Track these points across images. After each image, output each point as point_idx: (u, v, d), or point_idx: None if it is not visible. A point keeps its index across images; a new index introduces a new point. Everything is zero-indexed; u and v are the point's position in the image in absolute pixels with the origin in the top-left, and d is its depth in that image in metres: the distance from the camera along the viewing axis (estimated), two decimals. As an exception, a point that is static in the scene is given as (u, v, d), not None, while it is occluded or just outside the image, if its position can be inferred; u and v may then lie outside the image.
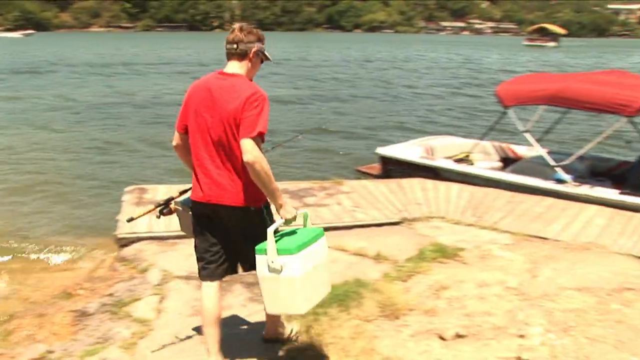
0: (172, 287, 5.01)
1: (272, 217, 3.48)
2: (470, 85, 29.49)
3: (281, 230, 3.39)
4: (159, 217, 4.06)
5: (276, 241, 3.23)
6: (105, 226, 7.43)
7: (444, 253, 5.57)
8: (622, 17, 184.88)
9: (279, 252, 3.20)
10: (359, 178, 9.41)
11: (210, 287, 3.63)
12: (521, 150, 9.54)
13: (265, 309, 3.50)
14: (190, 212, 3.73)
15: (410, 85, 28.97)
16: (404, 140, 10.53)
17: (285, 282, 3.21)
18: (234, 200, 3.40)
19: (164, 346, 4.05)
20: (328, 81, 30.06)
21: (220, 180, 3.41)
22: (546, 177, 7.87)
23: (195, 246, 3.72)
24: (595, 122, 15.42)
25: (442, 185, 8.04)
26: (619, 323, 4.10)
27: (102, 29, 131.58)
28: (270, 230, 3.22)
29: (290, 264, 3.19)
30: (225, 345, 3.68)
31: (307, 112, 19.70)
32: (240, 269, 3.74)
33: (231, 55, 3.48)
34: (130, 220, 4.14)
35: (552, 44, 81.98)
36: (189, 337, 4.16)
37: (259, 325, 4.25)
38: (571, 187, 7.56)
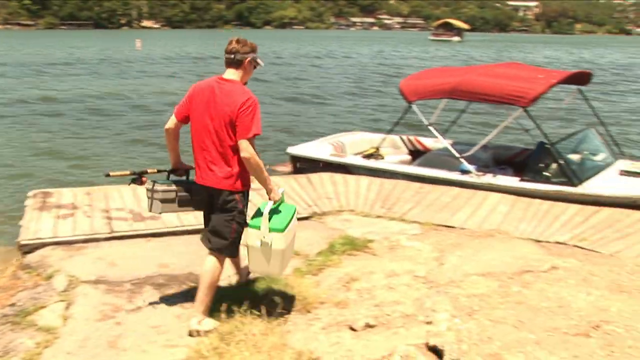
0: (80, 292, 4.83)
1: (245, 205, 4.26)
2: (379, 79, 29.98)
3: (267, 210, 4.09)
4: (129, 184, 4.55)
5: (271, 219, 4.06)
6: (8, 233, 7.13)
7: (354, 245, 5.65)
8: (520, 14, 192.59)
9: (271, 230, 4.03)
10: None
11: (213, 255, 4.28)
12: (429, 143, 9.79)
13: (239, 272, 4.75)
14: (158, 195, 4.32)
15: (320, 81, 29.16)
16: (315, 138, 10.57)
17: (273, 253, 4.07)
18: (223, 184, 4.11)
19: (70, 354, 3.91)
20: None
21: (214, 168, 4.11)
22: (451, 168, 8.10)
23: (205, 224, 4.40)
24: (497, 112, 15.98)
25: (351, 179, 8.14)
26: (519, 304, 4.27)
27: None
28: (266, 211, 4.05)
29: (278, 240, 4.05)
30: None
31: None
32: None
33: (229, 64, 4.16)
34: (107, 175, 4.62)
35: (456, 38, 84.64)
36: (98, 343, 4.03)
37: (170, 325, 4.17)
38: (475, 177, 7.81)
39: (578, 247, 5.93)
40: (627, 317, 4.04)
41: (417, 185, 7.79)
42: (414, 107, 8.56)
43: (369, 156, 9.06)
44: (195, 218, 6.47)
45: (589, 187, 7.33)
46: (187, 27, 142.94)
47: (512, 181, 7.75)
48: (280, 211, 4.20)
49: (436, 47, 66.92)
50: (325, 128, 15.39)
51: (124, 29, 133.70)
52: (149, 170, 4.61)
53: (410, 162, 9.16)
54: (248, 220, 4.18)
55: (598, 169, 7.99)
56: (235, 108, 3.95)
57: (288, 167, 9.65)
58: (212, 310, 4.28)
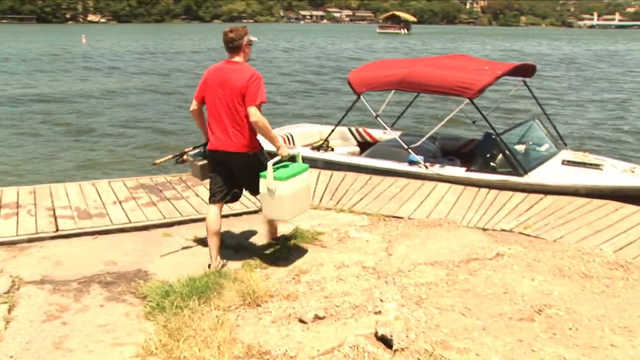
0: (24, 293, 4.70)
1: (266, 158, 5.05)
2: (327, 72, 30.05)
3: (280, 164, 5.03)
4: (175, 164, 5.71)
5: (274, 171, 4.88)
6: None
7: (303, 238, 5.65)
8: (468, 6, 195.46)
9: (275, 178, 4.85)
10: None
11: (214, 208, 5.16)
12: (377, 134, 9.85)
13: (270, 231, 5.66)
14: (199, 163, 5.39)
15: (269, 74, 29.04)
16: None
17: (277, 199, 4.89)
18: (237, 148, 4.97)
19: (13, 357, 3.80)
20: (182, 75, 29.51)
21: (228, 134, 4.95)
22: (400, 159, 8.16)
23: (210, 183, 5.25)
24: (446, 103, 16.20)
25: (300, 171, 8.12)
26: (466, 292, 4.34)
27: None
28: (270, 163, 4.90)
29: (280, 187, 4.85)
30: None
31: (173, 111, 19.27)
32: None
33: (230, 51, 4.98)
34: (153, 164, 5.77)
35: (403, 31, 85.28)
36: (43, 344, 3.94)
37: (119, 323, 4.12)
38: (423, 168, 7.89)
39: (523, 234, 6.08)
40: (568, 300, 4.16)
41: (365, 176, 7.85)
42: (363, 99, 8.59)
43: (317, 148, 9.07)
44: (143, 214, 6.41)
45: (534, 177, 7.50)
46: (134, 22, 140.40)
47: (460, 172, 7.87)
48: (288, 166, 5.08)
49: (383, 40, 67.37)
50: (274, 122, 15.35)
51: (69, 24, 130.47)
52: (186, 150, 5.64)
53: (359, 154, 9.21)
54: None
55: (542, 159, 8.18)
56: (245, 82, 4.80)
57: None
58: (160, 307, 4.25)
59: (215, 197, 5.16)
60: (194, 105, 5.15)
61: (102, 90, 23.26)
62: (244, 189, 5.32)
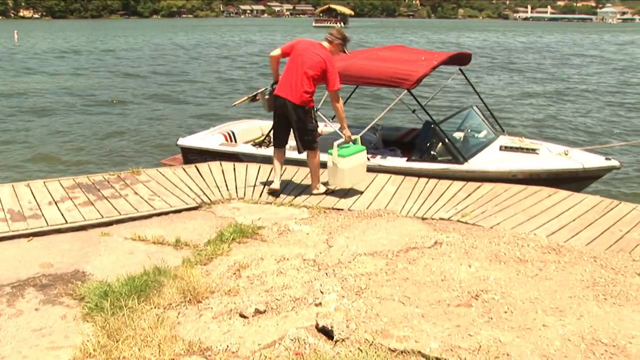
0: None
1: (316, 117, 6.95)
2: (263, 67, 29.92)
3: (344, 145, 6.86)
4: (251, 101, 7.60)
5: (338, 150, 6.70)
6: None
7: (243, 233, 5.61)
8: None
9: (338, 155, 6.68)
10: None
11: (278, 149, 7.11)
12: (320, 127, 9.85)
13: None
14: (267, 96, 6.99)
15: (209, 70, 28.81)
16: (205, 128, 10.40)
17: (339, 171, 6.76)
18: (296, 100, 6.57)
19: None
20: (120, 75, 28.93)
21: (293, 88, 6.54)
22: None
23: (273, 125, 7.13)
24: (386, 93, 16.36)
25: (240, 167, 8.09)
26: (405, 280, 4.40)
27: None
28: (335, 143, 6.80)
29: (342, 162, 6.71)
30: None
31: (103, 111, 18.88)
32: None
33: (326, 39, 6.70)
34: (233, 105, 7.93)
35: (339, 24, 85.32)
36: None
37: (55, 326, 4.02)
38: (364, 160, 7.96)
39: (461, 222, 6.19)
40: (504, 284, 4.26)
41: (306, 170, 7.83)
42: None
43: (260, 144, 9.03)
44: (80, 214, 6.26)
45: (474, 164, 7.65)
46: (70, 17, 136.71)
47: (401, 162, 7.96)
48: (349, 147, 6.86)
49: (318, 34, 67.48)
50: (219, 117, 15.23)
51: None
52: (259, 90, 7.36)
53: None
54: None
55: (481, 145, 8.35)
56: (322, 61, 6.47)
57: (178, 162, 9.46)
58: (98, 307, 4.17)
59: (277, 139, 7.10)
60: (275, 52, 6.72)
61: (38, 90, 22.61)
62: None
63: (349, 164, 6.73)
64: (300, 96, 6.53)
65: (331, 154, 6.71)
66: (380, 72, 8.07)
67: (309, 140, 6.88)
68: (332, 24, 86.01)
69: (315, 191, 7.12)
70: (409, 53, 9.09)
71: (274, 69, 6.87)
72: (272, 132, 9.05)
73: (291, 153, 8.37)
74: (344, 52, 6.85)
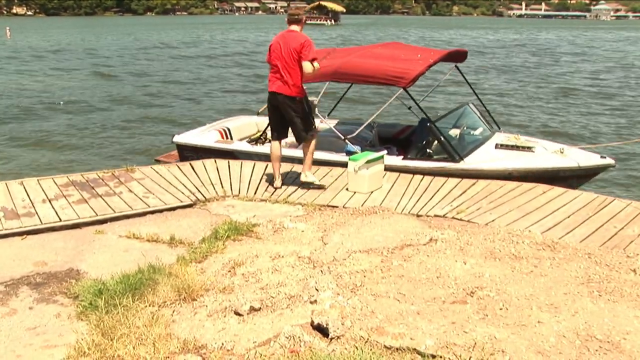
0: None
1: (309, 105, 7.13)
2: (258, 64, 29.93)
3: (362, 153, 7.30)
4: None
5: (358, 158, 7.03)
6: None
7: (238, 230, 5.60)
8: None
9: (358, 161, 6.98)
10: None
11: (276, 142, 7.27)
12: (316, 124, 9.83)
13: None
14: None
15: (208, 67, 28.76)
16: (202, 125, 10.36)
17: (361, 177, 7.01)
18: (288, 92, 6.83)
19: None
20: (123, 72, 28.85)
21: (283, 81, 6.81)
22: (337, 150, 8.20)
23: (270, 122, 7.38)
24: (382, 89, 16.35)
25: (235, 164, 8.08)
26: (400, 277, 4.39)
27: None
28: (358, 148, 7.82)
29: (363, 169, 6.99)
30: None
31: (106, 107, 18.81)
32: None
33: (292, 22, 6.94)
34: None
35: (329, 22, 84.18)
36: None
37: (49, 325, 3.99)
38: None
39: (456, 219, 6.20)
40: (499, 281, 4.26)
41: (300, 167, 7.83)
42: None
43: (255, 140, 9.01)
44: (74, 212, 6.24)
45: (469, 163, 7.65)
46: (63, 15, 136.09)
47: (396, 160, 7.95)
48: (369, 154, 7.23)
49: (309, 31, 67.23)
50: (217, 113, 15.20)
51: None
52: None
53: (297, 145, 9.18)
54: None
55: (477, 143, 8.35)
56: (300, 44, 6.67)
57: (174, 158, 9.44)
58: (92, 306, 4.15)
59: (274, 134, 7.28)
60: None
61: (31, 89, 22.51)
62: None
63: (368, 171, 7.00)
64: (291, 88, 6.80)
65: (353, 160, 6.99)
66: (376, 70, 8.06)
67: (305, 130, 7.06)
68: (321, 22, 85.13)
69: (303, 177, 7.27)
70: (405, 50, 9.08)
71: None
72: (267, 129, 9.09)
73: (286, 150, 8.38)
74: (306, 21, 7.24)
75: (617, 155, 11.76)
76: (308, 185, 7.30)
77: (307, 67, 6.65)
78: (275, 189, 7.24)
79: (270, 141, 9.11)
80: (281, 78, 6.80)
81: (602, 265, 4.62)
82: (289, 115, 6.93)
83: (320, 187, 7.28)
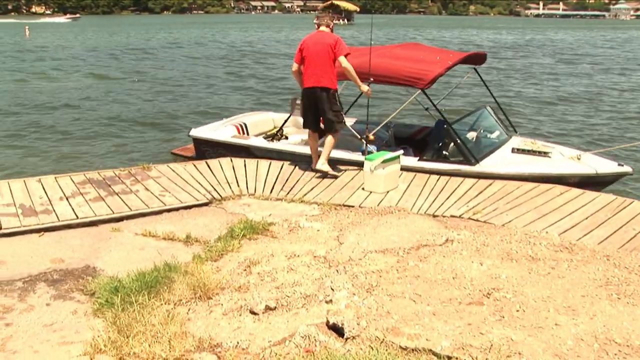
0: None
1: (340, 100, 7.64)
2: (278, 61, 29.92)
3: (378, 153, 7.32)
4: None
5: (375, 158, 7.02)
6: None
7: (254, 229, 5.61)
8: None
9: (375, 160, 6.99)
10: (174, 161, 9.13)
11: (312, 133, 7.77)
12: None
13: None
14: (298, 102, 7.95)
15: (222, 64, 28.81)
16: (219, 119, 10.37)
17: (377, 177, 7.04)
18: (324, 84, 7.33)
19: None
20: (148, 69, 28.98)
21: (319, 75, 7.32)
22: (353, 149, 8.18)
23: (304, 116, 7.76)
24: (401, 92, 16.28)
25: (251, 162, 8.10)
26: (416, 278, 4.37)
27: None
28: (374, 148, 7.88)
29: (379, 169, 7.01)
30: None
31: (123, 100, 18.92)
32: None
33: (321, 25, 7.62)
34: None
35: (341, 21, 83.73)
36: None
37: (66, 321, 4.01)
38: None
39: (472, 219, 6.17)
40: (516, 283, 4.23)
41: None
42: None
43: (272, 137, 9.02)
44: (90, 210, 6.28)
45: (485, 166, 7.60)
46: (81, 14, 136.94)
47: (412, 161, 7.92)
48: (385, 154, 7.19)
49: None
50: (232, 109, 15.23)
51: (12, 15, 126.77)
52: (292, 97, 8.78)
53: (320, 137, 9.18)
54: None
55: (493, 147, 8.29)
56: (333, 42, 7.28)
57: (190, 152, 9.48)
58: (108, 303, 4.18)
59: (310, 127, 7.73)
60: (294, 67, 7.68)
61: (49, 89, 22.66)
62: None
63: (385, 171, 7.07)
64: (326, 80, 7.32)
65: (369, 159, 7.05)
66: (394, 71, 8.03)
67: (334, 121, 7.48)
68: (334, 22, 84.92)
69: (318, 165, 7.64)
70: (424, 51, 9.02)
71: (299, 80, 7.65)
72: (284, 125, 9.12)
73: (302, 148, 8.39)
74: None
75: (637, 154, 11.62)
76: (323, 175, 7.63)
77: (344, 61, 7.22)
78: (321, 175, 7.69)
79: (286, 137, 9.24)
80: (316, 73, 7.30)
81: (620, 267, 4.57)
82: (324, 106, 7.37)
83: (334, 177, 7.60)
